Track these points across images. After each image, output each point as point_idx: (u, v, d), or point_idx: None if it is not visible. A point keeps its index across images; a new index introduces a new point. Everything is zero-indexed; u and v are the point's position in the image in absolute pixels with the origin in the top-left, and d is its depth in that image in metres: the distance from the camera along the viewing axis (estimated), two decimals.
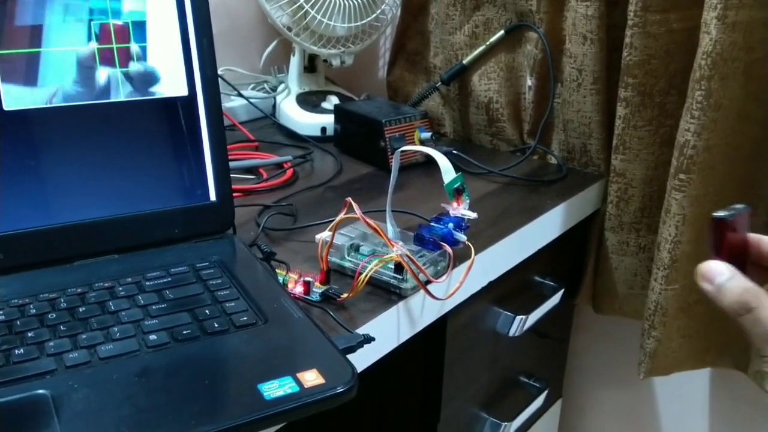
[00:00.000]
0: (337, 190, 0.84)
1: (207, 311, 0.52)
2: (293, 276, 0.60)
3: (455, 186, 0.62)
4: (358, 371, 0.46)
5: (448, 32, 1.00)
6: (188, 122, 0.61)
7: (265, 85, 1.13)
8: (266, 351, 0.48)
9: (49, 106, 0.56)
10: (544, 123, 0.95)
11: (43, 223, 0.56)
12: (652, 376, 0.90)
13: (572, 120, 0.92)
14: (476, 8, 0.97)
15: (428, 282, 0.59)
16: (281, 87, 1.08)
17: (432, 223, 0.64)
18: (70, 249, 0.57)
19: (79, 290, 0.53)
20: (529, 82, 0.96)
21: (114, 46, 0.58)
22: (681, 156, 0.78)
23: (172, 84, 0.60)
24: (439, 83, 1.03)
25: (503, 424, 0.87)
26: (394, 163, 0.63)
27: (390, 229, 0.63)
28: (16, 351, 0.46)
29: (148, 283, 0.55)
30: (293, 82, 1.07)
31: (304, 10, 0.94)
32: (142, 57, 0.59)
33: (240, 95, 1.02)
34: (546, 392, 0.97)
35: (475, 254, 0.64)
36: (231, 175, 0.64)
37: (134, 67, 0.59)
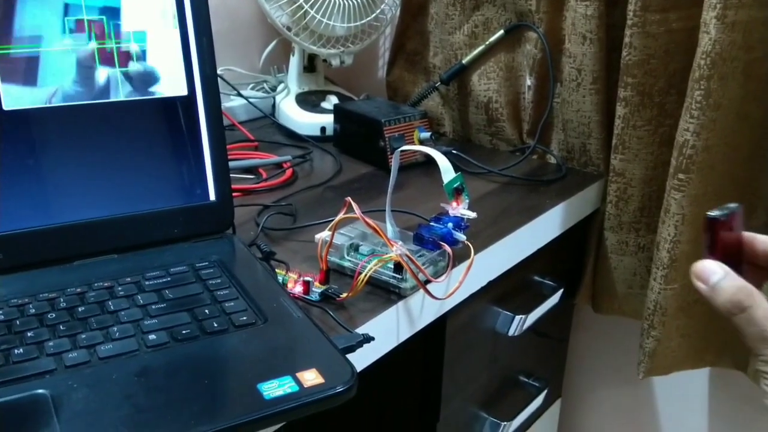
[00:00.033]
0: (337, 189, 0.84)
1: (206, 311, 0.52)
2: (293, 276, 0.60)
3: (455, 186, 0.62)
4: (358, 371, 0.46)
5: (448, 32, 1.00)
6: (188, 122, 0.61)
7: (265, 85, 1.13)
8: (266, 350, 0.48)
9: (48, 105, 0.56)
10: (543, 123, 0.95)
11: (42, 222, 0.56)
12: (651, 376, 0.90)
13: (571, 120, 0.92)
14: (476, 8, 0.97)
15: (428, 282, 0.59)
16: (281, 87, 1.09)
17: (431, 223, 0.64)
18: (70, 249, 0.57)
19: (78, 290, 0.53)
20: (528, 82, 0.96)
21: (113, 45, 0.58)
22: (680, 156, 0.78)
23: (171, 84, 0.60)
24: (439, 83, 1.03)
25: (503, 423, 0.87)
26: (394, 162, 0.63)
27: (389, 228, 0.63)
28: (16, 351, 0.46)
29: (147, 282, 0.55)
30: (293, 81, 1.07)
31: (304, 9, 0.94)
32: (142, 57, 0.59)
33: (239, 95, 1.02)
34: (545, 392, 0.97)
35: (475, 254, 0.64)
36: (230, 175, 0.64)
37: (134, 66, 0.59)
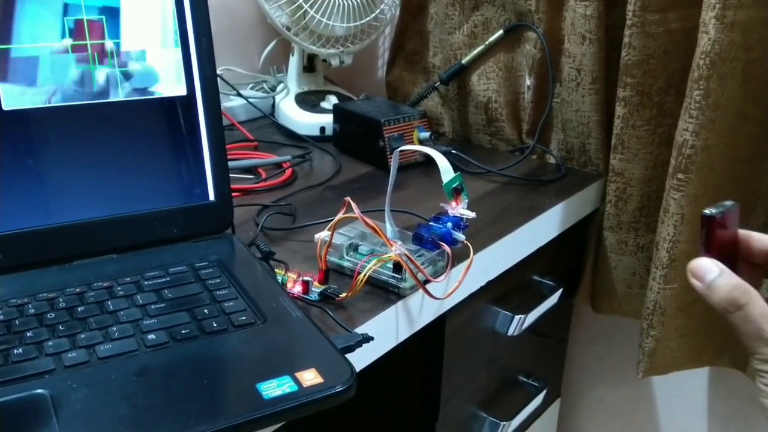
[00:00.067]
0: (336, 189, 0.84)
1: (206, 311, 0.52)
2: (292, 275, 0.60)
3: (454, 185, 0.62)
4: (357, 370, 0.46)
5: (447, 32, 1.00)
6: (187, 122, 0.61)
7: (264, 85, 1.13)
8: (265, 350, 0.48)
9: (48, 105, 0.56)
10: (542, 122, 0.95)
11: (41, 222, 0.56)
12: (650, 376, 0.90)
13: (571, 120, 0.92)
14: (475, 8, 0.98)
15: (427, 281, 0.59)
16: (280, 87, 1.09)
17: (431, 223, 0.64)
18: (69, 249, 0.57)
19: (77, 290, 0.53)
20: (528, 82, 0.96)
21: (113, 45, 0.58)
22: (679, 155, 0.78)
23: (171, 84, 0.60)
24: (438, 83, 1.03)
25: (502, 423, 0.87)
26: (393, 162, 0.63)
27: (389, 228, 0.63)
28: (15, 351, 0.46)
29: (146, 282, 0.55)
30: (292, 81, 1.07)
31: (303, 9, 0.94)
32: (141, 57, 0.59)
33: (239, 95, 1.02)
34: (545, 391, 0.97)
35: (474, 254, 0.64)
36: (230, 175, 0.64)
37: (133, 66, 0.59)
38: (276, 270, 0.60)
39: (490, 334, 0.82)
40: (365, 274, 0.57)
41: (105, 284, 0.54)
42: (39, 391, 0.43)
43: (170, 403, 0.43)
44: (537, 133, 0.96)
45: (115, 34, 0.58)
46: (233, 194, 0.65)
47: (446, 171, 0.61)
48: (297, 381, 0.44)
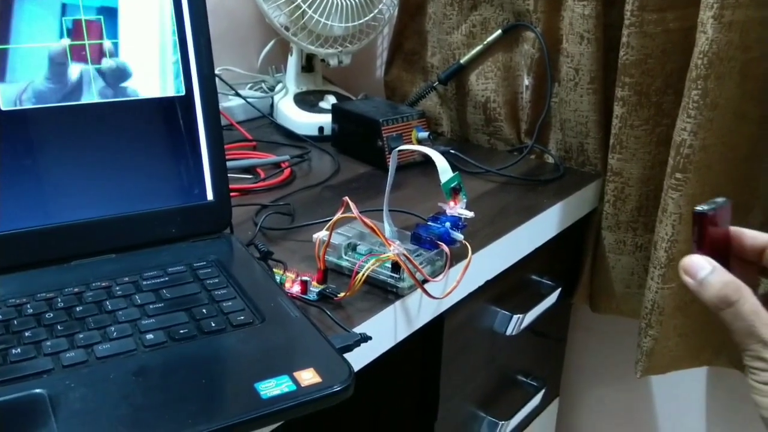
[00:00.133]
0: (335, 189, 0.84)
1: (204, 310, 0.52)
2: (290, 275, 0.60)
3: (452, 185, 0.62)
4: (355, 370, 0.46)
5: (446, 32, 1.00)
6: (185, 122, 0.61)
7: (263, 85, 1.13)
8: (263, 350, 0.48)
9: (46, 105, 0.56)
10: (541, 122, 0.96)
11: (39, 222, 0.56)
12: (649, 375, 0.90)
13: (569, 119, 0.92)
14: (473, 8, 0.98)
15: (425, 281, 0.59)
16: (279, 87, 1.09)
17: (429, 223, 0.64)
18: (67, 249, 0.57)
19: (76, 290, 0.53)
20: (526, 82, 0.96)
21: (111, 46, 0.58)
22: (677, 155, 0.78)
23: (169, 84, 0.60)
24: (437, 83, 1.03)
25: (500, 422, 0.87)
26: (392, 162, 0.64)
27: (387, 228, 0.64)
28: (13, 350, 0.46)
29: (145, 282, 0.55)
30: (291, 81, 1.07)
31: (302, 9, 0.94)
32: (140, 57, 0.59)
33: (237, 95, 1.02)
34: (543, 391, 0.97)
35: (472, 253, 0.64)
36: (228, 175, 0.64)
37: (131, 66, 0.59)
38: (274, 270, 0.60)
39: (489, 333, 0.82)
40: (363, 274, 0.57)
41: (103, 284, 0.54)
42: (37, 390, 0.43)
43: (168, 403, 0.43)
44: (535, 133, 0.96)
45: (113, 34, 0.58)
46: (232, 194, 0.65)
47: (445, 171, 0.61)
48: (295, 380, 0.44)
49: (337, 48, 1.01)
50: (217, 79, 0.64)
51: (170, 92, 0.60)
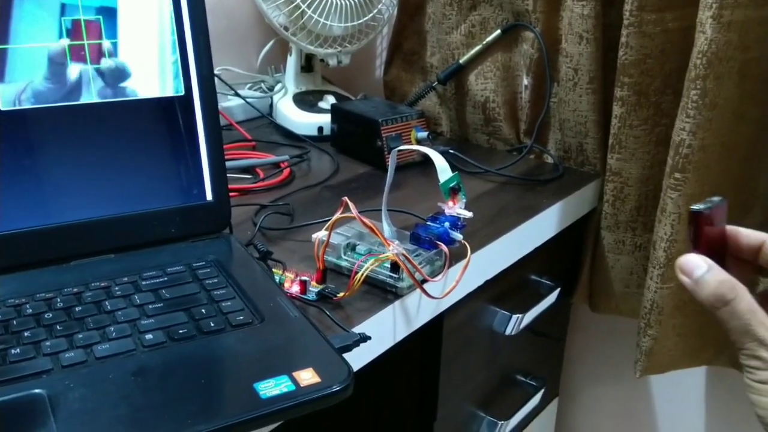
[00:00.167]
0: (334, 189, 0.84)
1: (203, 310, 0.52)
2: (290, 275, 0.60)
3: (451, 185, 0.62)
4: (354, 370, 0.46)
5: (445, 32, 1.00)
6: (185, 122, 0.61)
7: (262, 85, 1.13)
8: (262, 350, 0.48)
9: (45, 105, 0.56)
10: (540, 122, 0.96)
11: (39, 223, 0.56)
12: (648, 375, 0.90)
13: (568, 119, 0.92)
14: (473, 8, 0.98)
15: (424, 281, 0.60)
16: (278, 86, 1.09)
17: (428, 223, 0.64)
18: (67, 249, 0.57)
19: (75, 290, 0.53)
20: (525, 82, 0.96)
21: (110, 46, 0.58)
22: (676, 155, 0.78)
23: (168, 84, 0.60)
24: (436, 83, 1.03)
25: (500, 422, 0.87)
26: (391, 162, 0.64)
27: (386, 228, 0.64)
28: (13, 351, 0.46)
29: (144, 282, 0.55)
30: (290, 81, 1.07)
31: (301, 9, 0.94)
32: (139, 57, 0.59)
33: (237, 95, 1.02)
34: (543, 391, 0.97)
35: (472, 253, 0.64)
36: (228, 175, 0.64)
37: (131, 66, 0.59)
38: (274, 270, 0.60)
39: (488, 333, 0.82)
40: (363, 274, 0.57)
41: (102, 284, 0.54)
42: (37, 390, 0.43)
43: (168, 403, 0.43)
44: (534, 133, 0.96)
45: (113, 34, 0.58)
46: (231, 194, 0.65)
47: (444, 170, 0.61)
48: (294, 380, 0.44)
49: (337, 48, 1.01)
50: (216, 79, 0.64)
51: (169, 92, 0.60)
